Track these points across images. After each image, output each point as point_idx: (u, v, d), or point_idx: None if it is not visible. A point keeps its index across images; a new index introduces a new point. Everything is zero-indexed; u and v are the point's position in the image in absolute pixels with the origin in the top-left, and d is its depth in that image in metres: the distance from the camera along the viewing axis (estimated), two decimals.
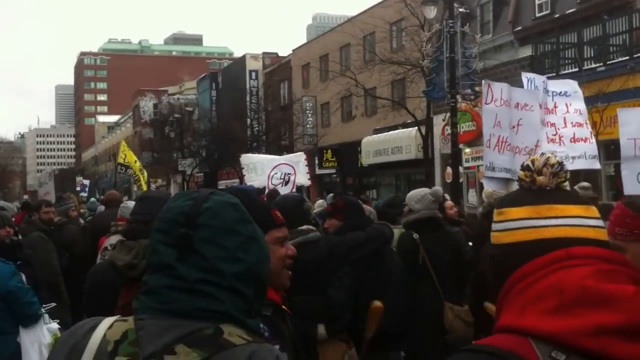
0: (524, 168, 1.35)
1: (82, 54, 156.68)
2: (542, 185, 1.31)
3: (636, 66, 15.92)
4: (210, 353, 1.19)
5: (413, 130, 24.17)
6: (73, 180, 65.87)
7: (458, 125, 15.74)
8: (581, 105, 7.17)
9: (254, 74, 41.92)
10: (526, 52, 20.73)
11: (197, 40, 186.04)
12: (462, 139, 18.48)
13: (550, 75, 14.05)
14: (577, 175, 9.40)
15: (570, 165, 6.30)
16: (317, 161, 30.65)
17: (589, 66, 17.39)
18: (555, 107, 6.97)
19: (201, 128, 41.39)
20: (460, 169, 17.36)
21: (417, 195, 5.20)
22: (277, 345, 1.93)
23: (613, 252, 1.23)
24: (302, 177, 11.31)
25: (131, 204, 4.59)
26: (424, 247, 4.97)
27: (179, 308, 1.25)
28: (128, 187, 48.93)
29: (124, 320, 1.29)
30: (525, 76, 7.14)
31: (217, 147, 36.91)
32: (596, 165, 7.08)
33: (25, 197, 42.18)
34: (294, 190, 10.70)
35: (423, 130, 22.51)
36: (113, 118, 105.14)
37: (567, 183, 1.37)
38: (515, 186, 1.52)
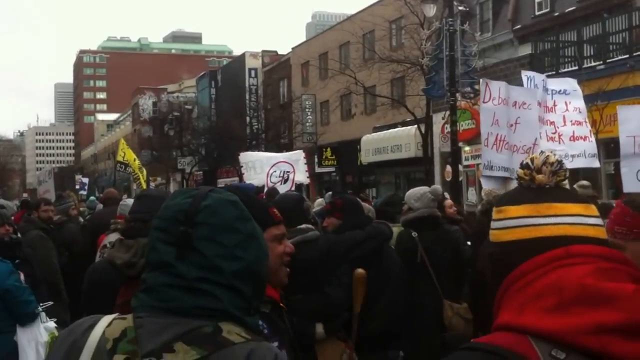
0: (524, 166, 1.35)
1: (82, 52, 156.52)
2: (542, 184, 1.31)
3: (636, 64, 15.91)
4: (209, 351, 1.19)
5: (412, 128, 24.16)
6: (72, 178, 65.86)
7: (458, 124, 15.73)
8: (580, 103, 7.16)
9: (253, 72, 41.90)
10: (526, 50, 20.71)
11: (197, 38, 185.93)
12: (462, 137, 18.48)
13: (550, 73, 14.05)
14: (577, 174, 9.41)
15: (569, 164, 6.30)
16: (316, 159, 30.62)
17: (589, 64, 17.37)
18: (555, 105, 6.96)
19: (200, 126, 41.40)
20: (460, 167, 17.36)
21: (416, 193, 5.20)
22: (276, 342, 1.94)
23: (612, 250, 1.23)
24: (301, 175, 11.29)
25: (131, 201, 4.57)
26: (423, 246, 4.98)
27: (178, 306, 1.25)
28: (127, 186, 48.89)
29: (123, 318, 1.29)
30: (525, 74, 7.13)
31: (216, 146, 36.92)
32: (595, 163, 7.08)
33: (25, 195, 42.14)
34: (293, 188, 10.69)
35: (422, 128, 22.49)
36: (112, 116, 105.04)
37: (566, 181, 1.37)
38: (513, 185, 1.52)
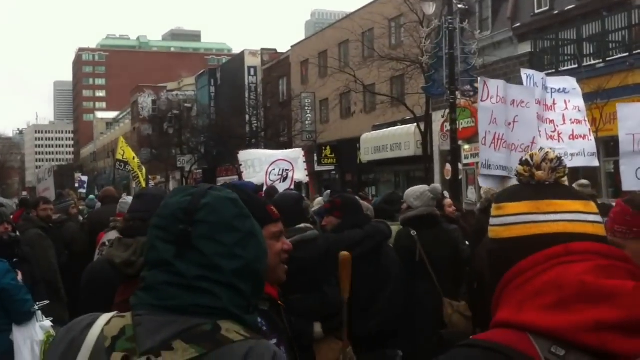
0: (523, 163, 1.34)
1: (81, 50, 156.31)
2: (541, 180, 1.31)
3: (635, 62, 15.91)
4: (208, 349, 1.19)
5: (412, 126, 24.16)
6: (72, 176, 65.81)
7: (457, 122, 15.75)
8: (580, 102, 7.15)
9: (252, 71, 41.87)
10: (525, 48, 20.70)
11: (196, 36, 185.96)
12: (462, 136, 18.49)
13: (549, 71, 14.06)
14: (576, 173, 9.41)
15: (569, 163, 6.26)
16: (316, 158, 30.63)
17: (589, 63, 17.36)
18: (554, 104, 6.95)
19: (200, 124, 41.36)
20: (460, 165, 17.37)
21: (416, 192, 5.20)
22: (274, 340, 1.93)
23: (612, 247, 1.23)
24: (300, 174, 11.28)
25: (130, 199, 4.57)
26: (422, 244, 4.97)
27: (177, 304, 1.25)
28: (127, 184, 48.88)
29: (122, 316, 1.29)
30: (525, 73, 7.12)
31: (215, 144, 36.87)
32: (595, 162, 7.07)
33: (24, 193, 42.15)
34: (292, 187, 10.68)
35: (422, 126, 22.49)
36: (112, 114, 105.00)
37: (565, 178, 1.36)
38: (511, 184, 1.51)
